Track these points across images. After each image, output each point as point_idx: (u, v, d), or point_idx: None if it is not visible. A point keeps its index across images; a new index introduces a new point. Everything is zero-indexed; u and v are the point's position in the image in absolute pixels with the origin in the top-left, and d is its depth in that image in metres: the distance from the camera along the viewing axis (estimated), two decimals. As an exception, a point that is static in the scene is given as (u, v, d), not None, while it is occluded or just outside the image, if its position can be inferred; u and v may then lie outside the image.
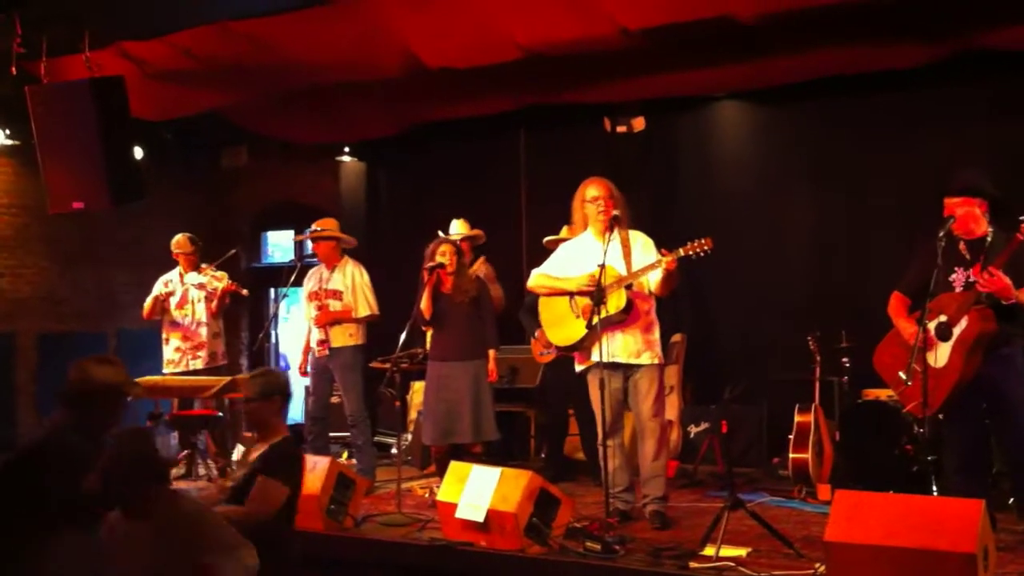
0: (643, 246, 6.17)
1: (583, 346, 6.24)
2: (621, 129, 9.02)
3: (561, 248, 6.61)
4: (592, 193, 6.24)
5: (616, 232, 6.15)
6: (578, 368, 6.38)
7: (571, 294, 6.26)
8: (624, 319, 6.08)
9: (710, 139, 9.07)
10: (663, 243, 6.13)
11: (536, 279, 6.49)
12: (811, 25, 6.83)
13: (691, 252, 5.81)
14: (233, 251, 8.92)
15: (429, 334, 7.67)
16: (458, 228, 8.44)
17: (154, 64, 7.59)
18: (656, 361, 6.18)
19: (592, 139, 9.05)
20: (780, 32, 6.95)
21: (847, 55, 7.40)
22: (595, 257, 6.03)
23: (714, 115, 9.05)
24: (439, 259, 7.33)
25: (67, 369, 4.52)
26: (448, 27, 6.93)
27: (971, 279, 5.24)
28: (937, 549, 4.26)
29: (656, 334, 6.24)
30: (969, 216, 5.35)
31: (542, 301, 6.52)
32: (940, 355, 5.29)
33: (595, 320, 5.92)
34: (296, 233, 10.69)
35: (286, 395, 5.13)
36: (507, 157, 9.89)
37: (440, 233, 8.22)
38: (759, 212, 8.64)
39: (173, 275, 8.72)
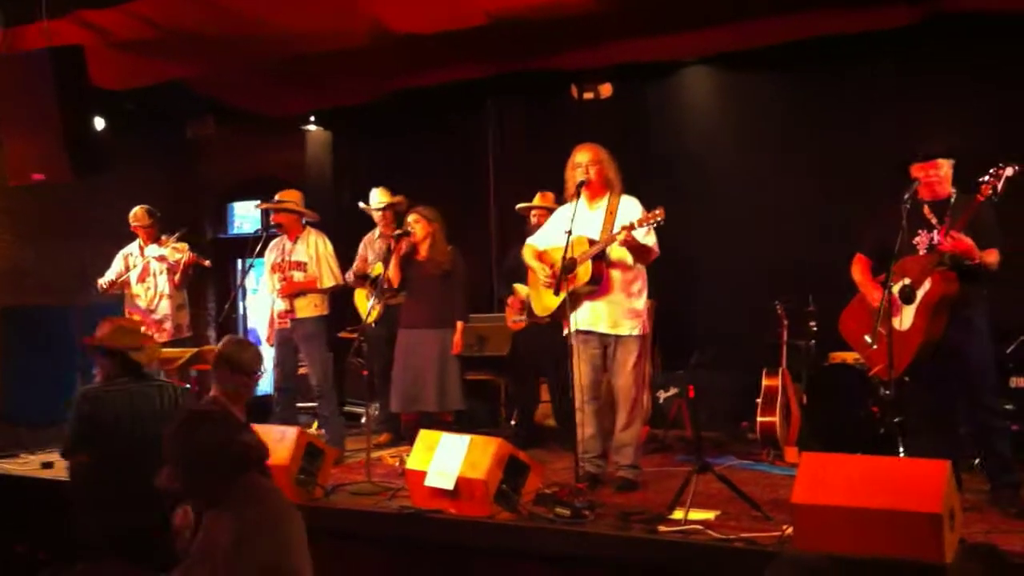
0: (628, 213, 6.08)
1: (560, 316, 6.25)
2: (588, 96, 8.98)
3: (553, 215, 6.60)
4: (578, 159, 6.20)
5: (606, 199, 6.13)
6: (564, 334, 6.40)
7: (536, 271, 6.27)
8: (594, 290, 6.07)
9: (679, 105, 9.06)
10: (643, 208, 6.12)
11: (524, 250, 6.50)
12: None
13: (644, 223, 5.79)
14: (184, 229, 8.80)
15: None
16: (379, 197, 8.40)
17: (115, 33, 7.47)
18: (636, 332, 6.16)
19: (560, 106, 9.02)
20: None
21: (818, 18, 7.36)
22: (582, 224, 6.02)
23: (683, 80, 9.04)
24: (405, 227, 7.32)
25: (32, 342, 4.50)
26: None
27: (935, 241, 5.27)
28: (903, 509, 4.30)
29: (639, 303, 6.20)
30: (935, 179, 5.37)
31: (530, 272, 6.52)
32: (904, 318, 5.33)
33: (562, 293, 5.94)
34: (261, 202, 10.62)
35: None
36: (474, 125, 9.85)
37: (360, 204, 8.24)
38: (728, 178, 8.65)
39: (133, 248, 8.65)
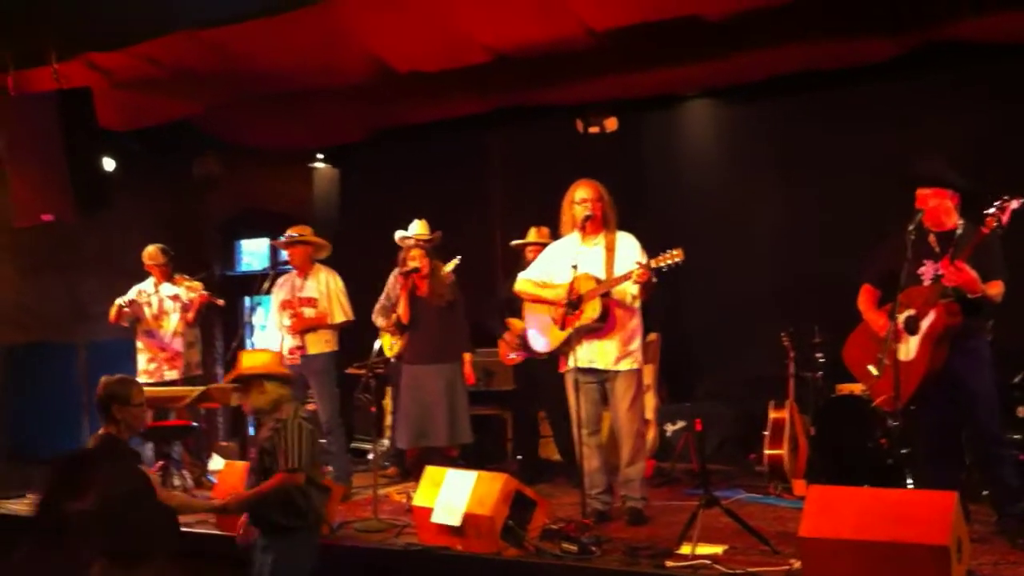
0: (627, 250, 6.13)
1: (561, 351, 6.26)
2: (593, 130, 9.03)
3: (547, 250, 6.61)
4: (581, 195, 6.22)
5: (603, 235, 6.16)
6: (562, 370, 6.40)
7: (550, 303, 6.27)
8: (601, 327, 6.09)
9: (681, 138, 9.12)
10: (640, 245, 6.15)
11: (521, 284, 6.50)
12: (778, 22, 6.86)
13: (662, 263, 5.80)
14: (204, 274, 8.85)
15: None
16: (419, 229, 8.40)
17: (121, 74, 7.55)
18: (635, 366, 6.19)
19: (564, 140, 9.06)
20: (747, 30, 6.97)
21: (814, 51, 7.43)
22: (580, 260, 6.04)
23: (684, 114, 9.09)
24: (411, 264, 7.34)
25: (36, 379, 4.55)
26: (414, 31, 6.91)
27: (939, 272, 5.27)
28: (910, 542, 4.29)
29: (637, 343, 6.23)
30: (940, 208, 5.38)
31: (526, 306, 6.53)
32: (909, 348, 5.32)
33: (568, 329, 5.96)
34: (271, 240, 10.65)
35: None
36: (479, 160, 9.89)
37: (397, 235, 8.22)
38: (731, 210, 8.67)
39: (147, 286, 8.66)
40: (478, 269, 9.18)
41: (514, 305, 6.99)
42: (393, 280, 8.14)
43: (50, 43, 7.02)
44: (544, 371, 6.63)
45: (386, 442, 8.67)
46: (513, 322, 7.73)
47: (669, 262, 5.78)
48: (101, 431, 5.17)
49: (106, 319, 8.63)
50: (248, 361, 5.42)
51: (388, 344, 8.03)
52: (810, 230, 8.27)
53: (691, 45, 7.31)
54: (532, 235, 7.76)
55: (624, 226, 6.33)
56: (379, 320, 7.98)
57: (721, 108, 8.89)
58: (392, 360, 7.87)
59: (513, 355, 7.87)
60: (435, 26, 6.85)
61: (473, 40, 6.89)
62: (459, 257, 7.68)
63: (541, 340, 6.41)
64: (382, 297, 8.07)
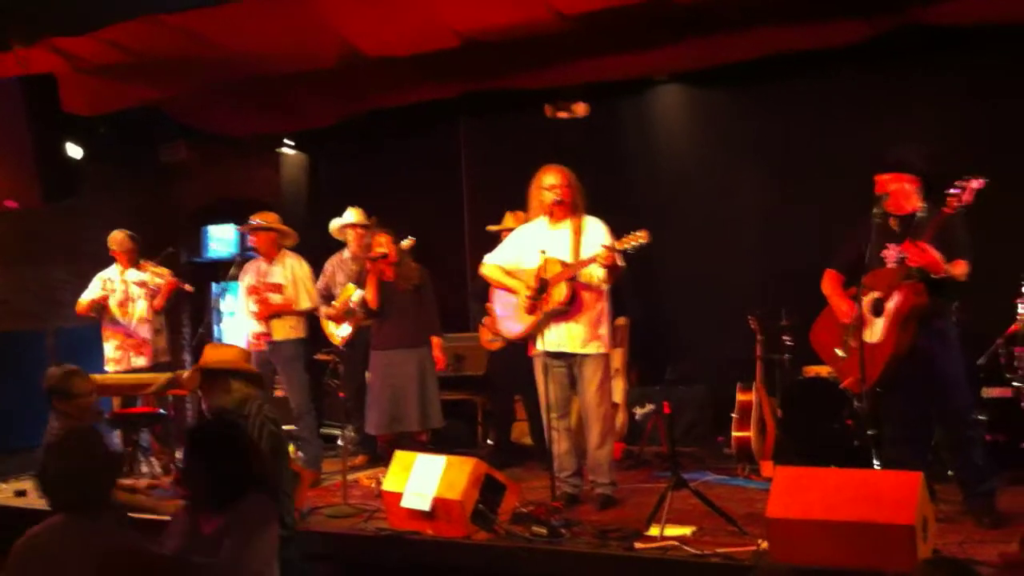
0: (594, 234, 6.13)
1: (530, 335, 6.28)
2: (563, 115, 9.01)
3: (514, 234, 6.61)
4: (549, 181, 6.23)
5: (570, 220, 6.18)
6: (531, 354, 6.41)
7: (514, 290, 6.28)
8: (568, 310, 6.10)
9: (652, 122, 9.12)
10: (608, 228, 6.16)
11: (487, 269, 6.50)
12: (750, 3, 6.87)
13: (627, 245, 5.82)
14: (170, 249, 8.77)
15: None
16: (355, 216, 8.39)
17: (86, 59, 7.45)
18: (603, 350, 6.21)
19: (533, 125, 9.05)
20: (719, 12, 6.97)
21: (786, 33, 7.42)
22: (547, 245, 6.05)
23: (656, 98, 9.10)
24: (378, 250, 7.34)
25: (4, 369, 4.53)
26: (384, 15, 6.87)
27: (902, 254, 5.31)
28: (876, 521, 4.33)
29: (605, 327, 6.25)
30: (900, 192, 5.42)
31: (494, 291, 6.54)
32: (875, 330, 5.37)
33: (538, 313, 5.98)
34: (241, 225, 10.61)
35: None
36: (448, 145, 9.87)
37: (332, 224, 8.25)
38: (701, 194, 8.71)
39: (112, 272, 8.57)
40: (447, 253, 9.18)
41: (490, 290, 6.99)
42: (331, 268, 8.16)
43: (12, 27, 6.94)
44: (520, 355, 6.64)
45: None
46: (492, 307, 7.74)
47: (634, 243, 5.79)
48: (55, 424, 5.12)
49: (74, 306, 8.56)
50: (214, 355, 5.26)
51: (331, 331, 8.03)
52: (780, 214, 8.31)
53: (662, 28, 7.30)
54: (508, 220, 7.75)
55: (595, 211, 6.34)
56: (322, 308, 7.99)
57: (693, 92, 8.90)
58: (343, 349, 7.87)
59: (492, 338, 7.87)
60: (405, 10, 6.82)
61: (443, 24, 6.86)
62: (411, 238, 7.64)
63: (513, 324, 6.41)
64: (321, 285, 8.08)
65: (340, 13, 6.90)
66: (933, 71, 7.75)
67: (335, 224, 8.43)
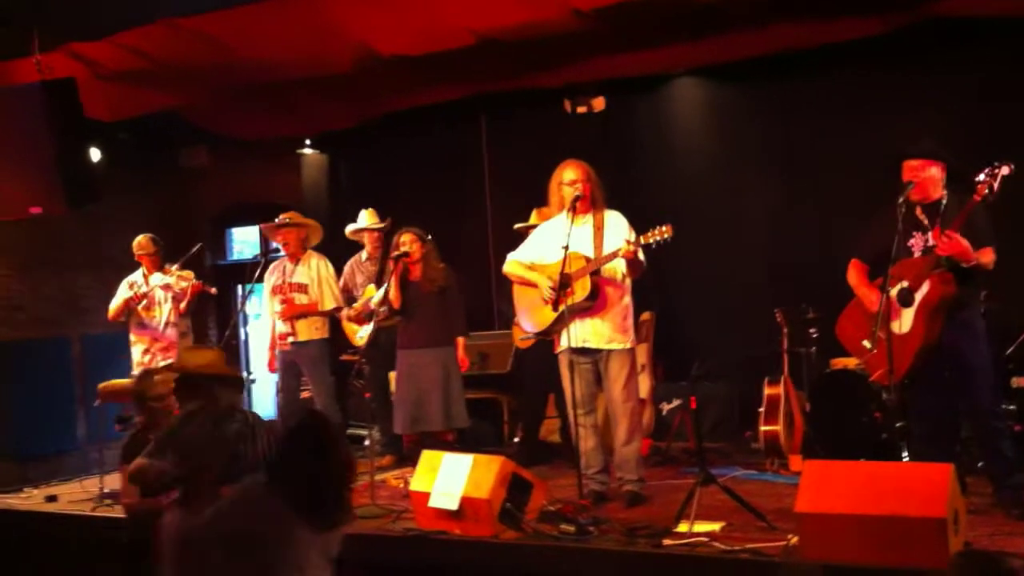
0: (616, 228, 6.11)
1: (553, 331, 6.25)
2: (581, 110, 9.00)
3: (536, 231, 6.59)
4: (569, 176, 6.20)
5: (591, 215, 6.15)
6: (556, 351, 6.39)
7: (537, 285, 6.25)
8: (591, 305, 6.07)
9: (670, 117, 9.07)
10: (629, 224, 6.14)
11: (509, 266, 6.48)
12: (764, 1, 6.84)
13: (651, 240, 5.80)
14: (198, 245, 8.79)
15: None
16: (369, 219, 8.38)
17: (105, 65, 7.51)
18: (628, 345, 6.18)
19: (552, 121, 9.03)
20: (734, 9, 6.94)
21: (804, 29, 7.40)
22: (569, 240, 6.03)
23: (673, 93, 9.04)
24: (402, 248, 7.32)
25: (30, 376, 4.58)
26: (399, 16, 6.89)
27: (929, 243, 5.26)
28: (907, 515, 4.29)
29: (630, 320, 6.23)
30: (928, 180, 5.36)
31: (516, 288, 6.52)
32: (904, 321, 5.31)
33: (561, 307, 5.95)
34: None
35: None
36: (469, 144, 9.85)
37: (348, 228, 8.24)
38: (721, 188, 8.65)
39: (137, 277, 8.60)
40: (470, 252, 9.16)
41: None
42: (350, 270, 8.17)
43: (32, 33, 6.97)
44: (552, 353, 6.61)
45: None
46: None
47: (658, 238, 5.77)
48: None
49: (97, 313, 8.60)
50: (194, 359, 5.15)
51: (353, 333, 8.02)
52: (802, 208, 8.27)
53: (678, 24, 7.28)
54: (534, 217, 7.72)
55: (614, 206, 6.31)
56: (344, 310, 7.99)
57: (710, 87, 8.85)
58: (364, 349, 7.87)
59: (525, 335, 7.84)
60: (419, 10, 6.83)
61: (458, 23, 6.87)
62: (429, 236, 7.63)
63: (530, 321, 6.39)
64: (339, 287, 8.09)
65: (356, 15, 6.93)
66: (948, 65, 7.66)
67: (349, 228, 8.43)
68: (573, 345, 6.07)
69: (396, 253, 7.40)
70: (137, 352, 8.51)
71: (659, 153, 9.00)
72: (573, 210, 6.10)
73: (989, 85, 7.50)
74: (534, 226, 7.58)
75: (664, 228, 5.76)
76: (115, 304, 8.48)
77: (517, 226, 7.89)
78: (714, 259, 8.53)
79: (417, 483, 5.81)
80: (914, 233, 5.37)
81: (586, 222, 6.17)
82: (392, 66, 7.46)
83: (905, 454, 5.44)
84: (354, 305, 7.99)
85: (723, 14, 7.04)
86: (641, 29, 7.27)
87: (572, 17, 6.68)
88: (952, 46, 7.51)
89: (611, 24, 6.94)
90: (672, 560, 4.94)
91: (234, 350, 10.90)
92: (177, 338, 8.52)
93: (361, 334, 7.89)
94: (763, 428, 7.02)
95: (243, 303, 10.08)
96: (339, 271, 8.12)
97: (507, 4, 6.66)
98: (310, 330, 7.69)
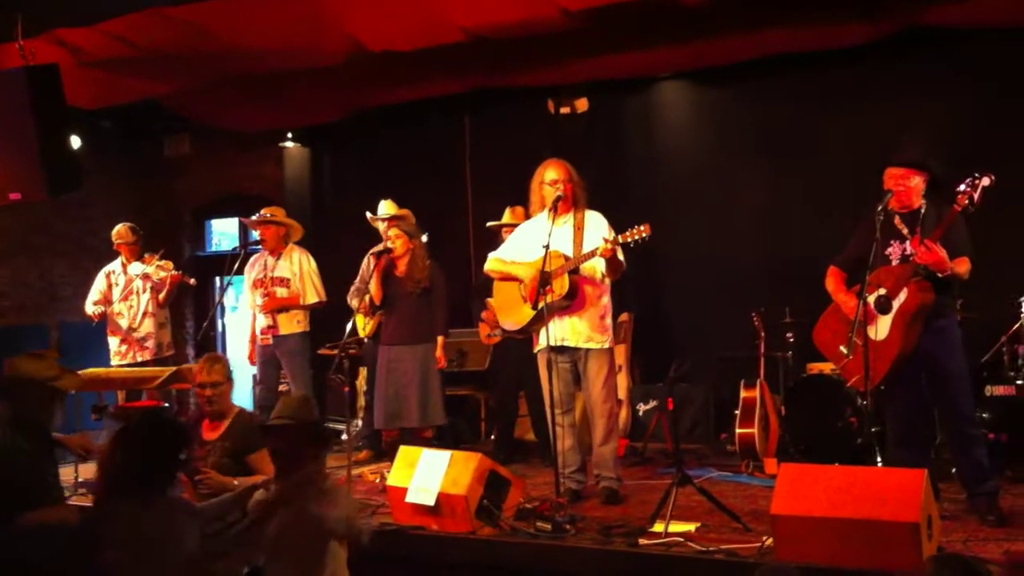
0: (596, 228, 6.13)
1: (531, 329, 6.27)
2: (565, 110, 9.03)
3: (517, 230, 6.60)
4: (551, 176, 6.21)
5: (572, 214, 6.17)
6: (535, 350, 6.41)
7: (520, 280, 6.27)
8: (569, 304, 6.09)
9: (654, 119, 9.10)
10: (609, 224, 6.16)
11: (491, 263, 6.49)
12: (755, 6, 6.87)
13: (629, 239, 5.82)
14: (162, 250, 8.72)
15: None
16: (386, 209, 8.35)
17: (90, 52, 7.47)
18: (606, 345, 6.20)
19: (536, 121, 9.05)
20: (723, 12, 6.97)
21: (791, 35, 7.46)
22: (549, 240, 6.04)
23: (658, 95, 9.08)
24: (386, 243, 7.32)
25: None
26: (390, 10, 6.89)
27: (907, 252, 5.31)
28: (881, 519, 4.33)
29: (608, 320, 6.25)
30: (910, 189, 5.40)
31: (495, 285, 6.53)
32: (880, 328, 5.35)
33: (540, 304, 5.96)
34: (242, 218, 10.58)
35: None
36: (452, 141, 9.85)
37: (368, 215, 8.17)
38: (704, 191, 8.69)
39: (115, 266, 8.57)
40: (450, 249, 9.17)
41: (490, 285, 6.98)
42: (366, 262, 8.13)
43: (16, 18, 6.93)
44: (523, 351, 6.63)
45: (358, 423, 8.65)
46: (492, 302, 7.72)
47: (636, 237, 5.79)
48: None
49: (76, 301, 8.56)
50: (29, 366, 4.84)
51: (361, 324, 8.02)
52: (784, 212, 8.31)
53: (667, 28, 7.32)
54: (507, 216, 7.74)
55: (596, 207, 6.34)
56: (353, 301, 7.95)
57: (696, 89, 8.88)
58: (366, 341, 7.86)
59: (491, 332, 7.87)
60: (410, 5, 6.83)
61: (448, 20, 6.87)
62: (425, 233, 7.63)
63: (509, 319, 6.41)
64: (357, 279, 8.05)
65: (345, 7, 6.91)
66: (937, 69, 7.73)
67: (370, 216, 8.32)
68: (551, 344, 6.09)
69: (379, 249, 7.40)
70: (114, 342, 8.48)
71: (642, 154, 9.04)
72: (554, 210, 6.12)
73: (980, 88, 7.57)
74: (507, 225, 7.62)
75: (642, 227, 5.79)
76: (89, 306, 8.42)
77: (489, 224, 7.90)
78: (693, 262, 8.58)
79: (394, 478, 5.82)
80: (892, 242, 5.41)
81: (567, 222, 6.19)
82: (380, 60, 7.45)
83: (879, 459, 5.49)
84: (365, 297, 7.96)
85: (711, 19, 7.08)
86: (629, 31, 7.30)
87: (561, 17, 6.70)
88: (943, 49, 7.58)
89: (599, 25, 6.95)
90: (647, 559, 4.96)
91: (212, 341, 10.88)
92: (155, 329, 8.49)
93: (367, 326, 7.89)
94: (739, 431, 7.07)
95: (222, 295, 10.05)
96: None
97: (498, 2, 6.68)
98: (291, 323, 7.69)
